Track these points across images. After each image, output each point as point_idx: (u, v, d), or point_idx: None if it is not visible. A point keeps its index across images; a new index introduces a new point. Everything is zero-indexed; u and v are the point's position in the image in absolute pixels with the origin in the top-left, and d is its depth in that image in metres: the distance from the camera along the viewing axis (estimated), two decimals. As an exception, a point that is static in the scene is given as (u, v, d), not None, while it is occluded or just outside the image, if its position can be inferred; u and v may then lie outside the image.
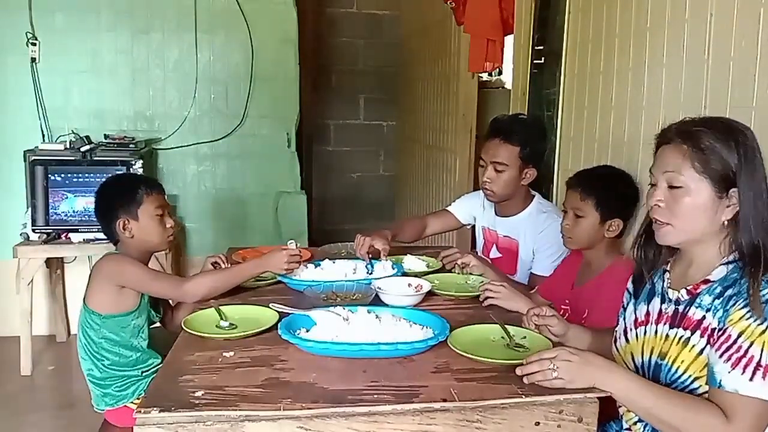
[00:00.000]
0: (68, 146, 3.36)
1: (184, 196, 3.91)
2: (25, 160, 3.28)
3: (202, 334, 1.52)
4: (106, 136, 3.54)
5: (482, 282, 1.88)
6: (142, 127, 3.80)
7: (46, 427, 2.80)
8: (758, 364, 1.12)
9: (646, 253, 1.40)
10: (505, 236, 2.31)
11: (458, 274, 2.03)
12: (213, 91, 3.88)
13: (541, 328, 1.51)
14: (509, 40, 3.16)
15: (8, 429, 2.79)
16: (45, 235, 3.26)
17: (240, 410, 1.17)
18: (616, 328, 1.47)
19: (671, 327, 1.29)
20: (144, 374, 1.93)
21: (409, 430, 1.20)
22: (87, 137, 3.45)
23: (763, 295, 1.15)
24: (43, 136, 3.58)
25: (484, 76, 4.26)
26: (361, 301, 1.73)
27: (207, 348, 1.46)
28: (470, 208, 2.49)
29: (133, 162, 3.30)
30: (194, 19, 3.77)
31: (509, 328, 1.53)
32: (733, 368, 1.14)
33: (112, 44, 3.71)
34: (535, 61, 2.88)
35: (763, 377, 1.12)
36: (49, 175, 3.23)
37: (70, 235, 3.27)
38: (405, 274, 2.00)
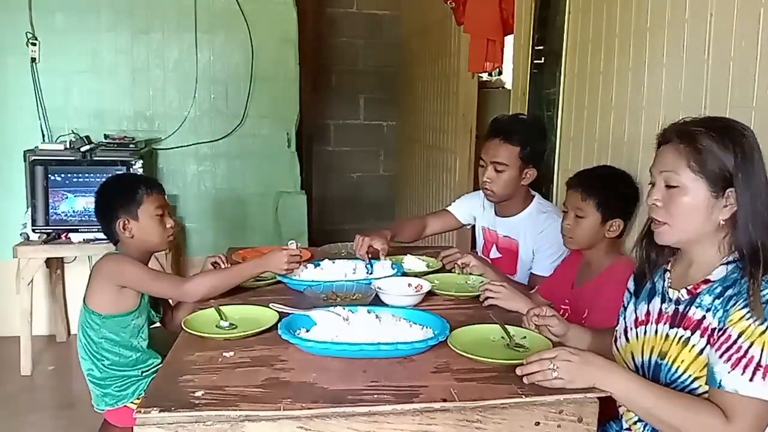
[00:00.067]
0: (68, 146, 3.36)
1: (184, 196, 3.91)
2: (25, 160, 3.28)
3: (202, 334, 1.52)
4: (106, 136, 3.54)
5: (482, 282, 1.88)
6: (142, 127, 3.80)
7: (46, 427, 2.80)
8: (758, 365, 1.12)
9: (648, 252, 1.40)
10: (505, 236, 2.31)
11: (458, 274, 2.03)
12: (213, 91, 3.88)
13: (541, 328, 1.51)
14: (509, 40, 3.16)
15: (8, 429, 2.79)
16: (45, 235, 3.26)
17: (240, 410, 1.17)
18: (617, 328, 1.47)
19: (671, 327, 1.29)
20: (144, 374, 1.93)
21: (409, 430, 1.20)
22: (87, 137, 3.45)
23: (764, 296, 1.15)
24: (43, 136, 3.58)
25: (484, 76, 4.26)
26: (361, 301, 1.73)
27: (207, 348, 1.46)
28: (470, 208, 2.49)
29: (133, 162, 3.30)
30: (194, 19, 3.77)
31: (509, 328, 1.53)
32: (733, 368, 1.14)
33: (112, 44, 3.71)
34: (535, 61, 2.88)
35: (763, 377, 1.12)
36: (49, 175, 3.23)
37: (70, 235, 3.27)
38: (405, 274, 2.00)
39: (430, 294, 1.83)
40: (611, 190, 1.89)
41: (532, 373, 1.25)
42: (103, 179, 2.01)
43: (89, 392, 1.95)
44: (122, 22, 3.71)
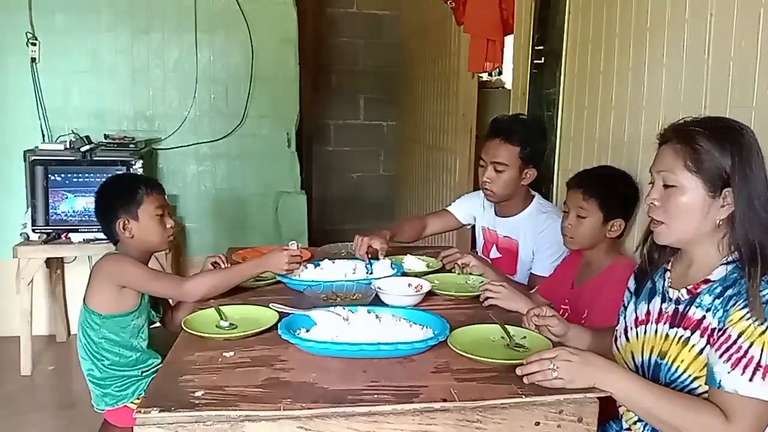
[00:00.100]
0: (68, 146, 3.36)
1: (184, 196, 3.91)
2: (25, 160, 3.28)
3: (202, 334, 1.52)
4: (106, 136, 3.54)
5: (482, 282, 1.88)
6: (142, 127, 3.80)
7: (46, 427, 2.81)
8: (758, 365, 1.12)
9: (650, 252, 1.40)
10: (505, 236, 2.31)
11: (458, 274, 2.03)
12: (213, 91, 3.88)
13: (541, 328, 1.51)
14: (509, 40, 3.16)
15: (8, 429, 2.79)
16: (45, 235, 3.26)
17: (240, 410, 1.17)
18: (617, 327, 1.47)
19: (671, 326, 1.29)
20: (144, 374, 1.93)
21: (409, 430, 1.20)
22: (87, 137, 3.45)
23: (763, 296, 1.15)
24: (43, 136, 3.58)
25: (484, 76, 4.26)
26: (361, 301, 1.73)
27: (207, 348, 1.46)
28: (470, 208, 2.49)
29: (133, 162, 3.30)
30: (194, 19, 3.77)
31: (509, 328, 1.53)
32: (733, 368, 1.14)
33: (112, 44, 3.71)
34: (535, 61, 2.88)
35: (763, 378, 1.12)
36: (49, 175, 3.23)
37: (70, 235, 3.27)
38: (405, 274, 2.00)
39: (430, 294, 1.83)
40: (611, 190, 1.89)
41: (532, 373, 1.25)
42: (103, 179, 2.01)
43: (89, 392, 1.95)
44: (122, 22, 3.71)
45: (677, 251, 1.37)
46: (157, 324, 2.06)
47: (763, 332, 1.13)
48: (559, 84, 2.58)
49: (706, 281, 1.26)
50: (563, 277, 2.04)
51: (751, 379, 1.12)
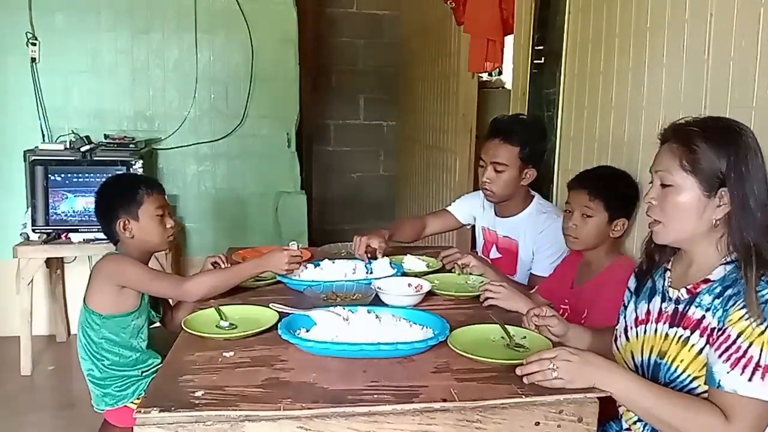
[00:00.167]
0: (68, 146, 3.36)
1: (184, 196, 3.91)
2: (25, 160, 3.28)
3: (202, 334, 1.52)
4: (106, 136, 3.54)
5: (482, 282, 1.88)
6: (142, 127, 3.80)
7: (46, 427, 2.81)
8: (757, 365, 1.12)
9: (651, 251, 1.40)
10: (504, 236, 2.31)
11: (458, 274, 2.03)
12: (213, 91, 3.88)
13: (541, 328, 1.51)
14: (509, 40, 3.16)
15: (8, 429, 2.79)
16: (45, 235, 3.26)
17: (240, 410, 1.17)
18: (617, 327, 1.47)
19: (671, 326, 1.30)
20: (144, 374, 1.93)
21: (409, 430, 1.20)
22: (87, 137, 3.45)
23: (762, 296, 1.15)
24: (43, 136, 3.58)
25: (484, 76, 4.26)
26: (361, 301, 1.73)
27: (207, 348, 1.46)
28: (470, 208, 2.49)
29: (133, 162, 3.30)
30: (194, 19, 3.77)
31: (509, 328, 1.53)
32: (732, 368, 1.14)
33: (112, 44, 3.71)
34: (535, 61, 2.88)
35: (762, 378, 1.12)
36: (49, 175, 3.23)
37: (70, 235, 3.27)
38: (405, 274, 2.00)
39: (430, 294, 1.83)
40: (612, 190, 1.89)
41: (532, 373, 1.25)
42: (103, 179, 2.01)
43: (89, 392, 1.95)
44: (122, 22, 3.71)
45: (677, 251, 1.37)
46: (157, 324, 2.06)
47: (763, 332, 1.13)
48: (559, 84, 2.58)
49: (706, 281, 1.27)
50: (563, 277, 2.04)
51: (750, 379, 1.12)
